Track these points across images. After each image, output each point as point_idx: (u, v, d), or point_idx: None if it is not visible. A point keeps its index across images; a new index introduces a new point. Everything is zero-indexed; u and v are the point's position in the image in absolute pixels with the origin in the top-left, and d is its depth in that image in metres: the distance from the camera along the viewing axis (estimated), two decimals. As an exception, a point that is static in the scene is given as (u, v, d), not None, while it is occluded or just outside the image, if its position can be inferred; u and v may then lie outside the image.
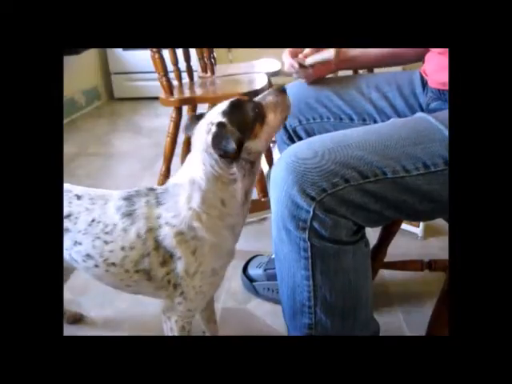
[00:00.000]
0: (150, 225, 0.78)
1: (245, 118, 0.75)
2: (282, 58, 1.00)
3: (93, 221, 0.81)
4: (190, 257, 0.77)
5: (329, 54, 0.90)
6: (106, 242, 0.80)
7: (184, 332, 0.86)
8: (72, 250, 0.83)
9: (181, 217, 0.76)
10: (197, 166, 0.76)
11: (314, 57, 0.94)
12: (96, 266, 0.82)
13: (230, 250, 0.84)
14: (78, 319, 1.17)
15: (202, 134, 0.75)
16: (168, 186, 0.81)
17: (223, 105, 0.77)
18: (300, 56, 0.96)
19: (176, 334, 0.86)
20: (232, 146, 0.70)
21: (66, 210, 0.83)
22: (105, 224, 0.80)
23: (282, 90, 0.81)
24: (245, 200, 0.78)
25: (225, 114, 0.75)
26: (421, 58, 1.02)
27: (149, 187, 0.83)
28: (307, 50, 0.96)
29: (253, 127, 0.75)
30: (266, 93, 0.82)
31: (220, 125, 0.73)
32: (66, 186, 0.88)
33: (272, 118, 0.78)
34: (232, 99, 0.78)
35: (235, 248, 0.87)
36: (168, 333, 0.87)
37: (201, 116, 0.80)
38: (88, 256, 0.82)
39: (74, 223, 0.82)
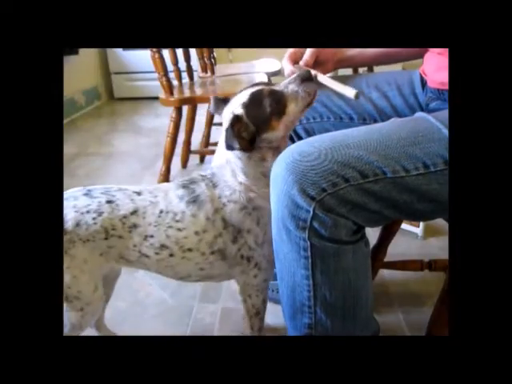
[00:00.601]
0: (215, 206, 0.84)
1: (262, 112, 0.79)
2: (282, 63, 1.00)
3: (161, 212, 0.84)
4: (256, 228, 0.84)
5: (350, 93, 0.88)
6: (179, 230, 0.84)
7: (265, 303, 0.95)
8: (143, 245, 0.84)
9: (237, 192, 0.83)
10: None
11: (333, 82, 0.92)
12: (171, 255, 0.85)
13: None
14: None
15: (226, 121, 0.81)
16: (213, 170, 0.87)
17: (246, 94, 0.81)
18: (301, 63, 0.96)
19: (259, 308, 0.94)
20: (236, 146, 0.77)
21: (130, 207, 0.84)
22: (174, 213, 0.84)
23: (306, 78, 0.82)
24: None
25: (244, 106, 0.79)
26: (418, 56, 1.02)
27: (199, 173, 0.89)
28: (307, 57, 0.95)
29: (269, 121, 0.79)
30: (290, 79, 0.83)
31: (234, 119, 0.78)
32: (114, 187, 0.88)
33: (292, 108, 0.80)
34: (254, 90, 0.81)
35: None
36: (251, 310, 0.94)
37: (225, 100, 0.86)
38: (162, 247, 0.84)
39: (143, 218, 0.84)
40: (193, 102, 1.78)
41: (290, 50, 0.97)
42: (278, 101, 0.79)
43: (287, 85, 0.82)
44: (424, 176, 0.68)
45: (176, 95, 1.65)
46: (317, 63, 0.98)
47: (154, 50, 1.59)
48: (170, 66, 1.70)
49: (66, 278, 0.82)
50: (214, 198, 0.84)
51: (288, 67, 0.97)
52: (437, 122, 0.71)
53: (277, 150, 0.81)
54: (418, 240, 1.54)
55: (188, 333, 1.16)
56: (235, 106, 0.81)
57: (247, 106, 0.79)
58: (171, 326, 1.19)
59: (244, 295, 0.93)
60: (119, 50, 3.79)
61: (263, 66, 2.30)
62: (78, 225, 0.81)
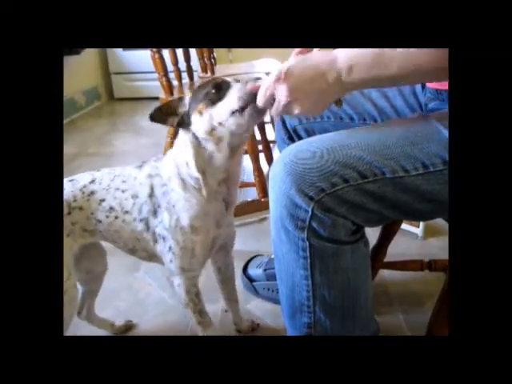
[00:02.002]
0: (149, 171, 0.88)
1: (197, 96, 0.81)
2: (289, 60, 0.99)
3: (114, 177, 0.91)
4: (170, 209, 0.85)
5: None
6: (123, 191, 0.89)
7: (192, 295, 0.92)
8: (98, 210, 0.90)
9: (165, 169, 0.86)
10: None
11: None
12: (116, 217, 0.89)
13: (208, 212, 0.86)
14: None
15: None
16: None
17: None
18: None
19: (184, 299, 0.92)
20: (150, 117, 0.82)
21: (88, 178, 0.92)
22: (123, 176, 0.91)
23: (254, 94, 0.73)
24: (205, 173, 0.83)
25: (193, 91, 0.83)
26: None
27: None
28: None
29: (197, 105, 0.80)
30: (247, 79, 0.79)
31: (178, 99, 0.84)
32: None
33: (226, 103, 0.77)
34: (214, 77, 0.84)
35: (231, 223, 0.95)
36: (181, 302, 0.93)
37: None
38: (111, 209, 0.89)
39: (99, 183, 0.91)
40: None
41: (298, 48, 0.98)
42: (219, 92, 0.78)
43: (242, 81, 0.79)
44: (423, 176, 0.68)
45: (176, 95, 1.65)
46: None
47: (154, 50, 1.59)
48: (170, 66, 1.70)
49: None
50: (152, 165, 0.89)
51: None
52: (436, 123, 0.71)
53: (209, 155, 0.81)
54: (417, 240, 1.54)
55: (188, 333, 1.16)
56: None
57: (195, 90, 0.82)
58: (171, 326, 1.19)
59: (168, 280, 0.93)
60: (119, 50, 3.79)
61: (263, 66, 2.29)
62: None
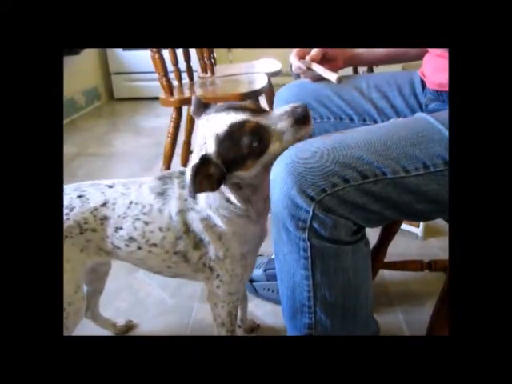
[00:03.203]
0: (180, 207, 0.80)
1: (237, 151, 0.69)
2: (289, 59, 1.00)
3: (131, 203, 0.82)
4: (217, 242, 0.80)
5: (332, 78, 0.89)
6: (146, 223, 0.81)
7: (231, 317, 0.90)
8: (114, 236, 0.83)
9: (199, 204, 0.79)
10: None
11: (320, 68, 0.94)
12: (139, 248, 0.83)
13: (254, 234, 0.84)
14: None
15: (201, 141, 0.73)
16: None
17: (224, 123, 0.70)
18: (307, 58, 0.97)
19: (224, 319, 0.89)
20: (191, 195, 0.70)
21: (100, 199, 0.83)
22: (142, 205, 0.82)
23: (301, 119, 0.70)
24: (254, 198, 0.79)
25: (218, 141, 0.70)
26: (421, 58, 1.03)
27: (180, 170, 0.84)
28: (314, 53, 0.96)
29: (244, 161, 0.71)
30: (285, 112, 0.71)
31: (202, 159, 0.70)
32: (93, 182, 0.90)
33: (275, 148, 0.71)
34: (234, 121, 0.69)
35: (266, 230, 0.88)
36: (217, 319, 0.90)
37: (206, 105, 0.78)
38: (131, 239, 0.82)
39: (113, 209, 0.83)
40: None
41: (298, 48, 0.98)
42: (260, 139, 0.69)
43: (277, 121, 0.71)
44: (424, 176, 0.68)
45: (176, 95, 1.65)
46: (325, 60, 0.99)
47: (154, 50, 1.59)
48: (170, 66, 1.70)
49: None
50: (181, 197, 0.80)
51: (295, 63, 0.98)
52: (437, 123, 0.71)
53: (251, 186, 0.77)
54: (417, 240, 1.54)
55: (188, 333, 1.16)
56: (209, 137, 0.71)
57: (221, 140, 0.69)
58: (171, 326, 1.19)
59: (210, 302, 0.90)
60: (119, 50, 3.79)
61: (263, 66, 2.29)
62: None
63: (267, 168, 0.72)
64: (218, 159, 0.71)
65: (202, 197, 0.78)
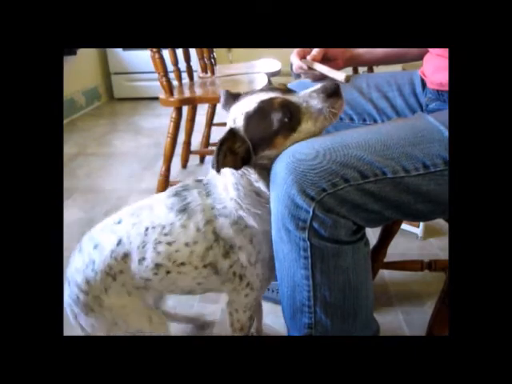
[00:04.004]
0: (207, 217, 0.77)
1: (267, 127, 0.69)
2: (290, 58, 0.99)
3: (147, 230, 0.78)
4: (248, 246, 0.78)
5: (339, 77, 0.85)
6: (169, 244, 0.78)
7: (251, 321, 0.89)
8: (140, 270, 0.79)
9: (228, 208, 0.77)
10: None
11: (324, 68, 0.93)
12: (168, 272, 0.79)
13: None
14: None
15: (228, 123, 0.74)
16: (209, 177, 0.81)
17: (254, 100, 0.70)
18: (308, 58, 0.96)
19: (244, 324, 0.88)
20: (216, 168, 0.69)
21: (113, 240, 0.78)
22: (161, 226, 0.78)
23: (333, 92, 0.70)
24: None
25: (246, 117, 0.70)
26: (422, 58, 1.03)
27: (195, 179, 0.82)
28: (315, 53, 0.96)
29: (273, 138, 0.70)
30: (314, 90, 0.71)
31: (228, 134, 0.70)
32: (98, 227, 0.83)
33: (308, 127, 0.71)
34: (263, 98, 0.70)
35: None
36: (235, 324, 0.89)
37: (236, 96, 0.77)
38: (157, 266, 0.78)
39: (130, 243, 0.78)
40: (193, 103, 1.78)
41: (298, 48, 0.98)
42: (291, 116, 0.69)
43: (308, 98, 0.70)
44: (424, 176, 0.68)
45: (176, 95, 1.65)
46: (326, 59, 0.98)
47: (154, 50, 1.59)
48: (170, 66, 1.70)
49: (121, 326, 0.81)
50: (207, 207, 0.78)
51: (296, 62, 0.98)
52: (437, 123, 0.71)
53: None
54: (418, 240, 1.54)
55: (188, 333, 1.16)
56: (238, 112, 0.72)
57: (250, 116, 0.70)
58: (171, 326, 1.19)
59: (231, 308, 0.88)
60: (119, 50, 3.79)
61: (263, 66, 2.30)
62: (88, 283, 0.79)
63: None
64: (246, 135, 0.70)
65: (233, 197, 0.77)
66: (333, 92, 0.70)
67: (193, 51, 1.96)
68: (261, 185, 0.76)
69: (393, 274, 1.33)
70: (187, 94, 1.72)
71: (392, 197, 0.69)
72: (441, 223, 1.55)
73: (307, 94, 0.71)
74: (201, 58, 2.04)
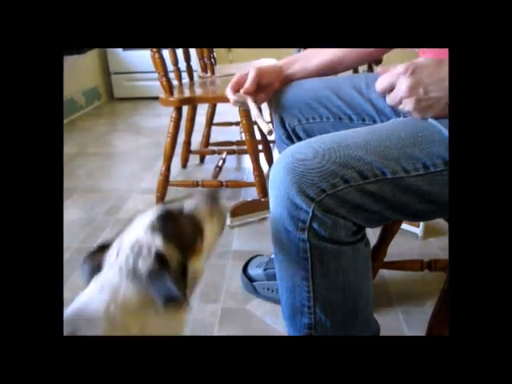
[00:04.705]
0: None
1: (183, 233, 0.60)
2: (225, 93, 0.99)
3: None
4: None
5: (264, 128, 0.84)
6: None
7: None
8: None
9: None
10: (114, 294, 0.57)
11: (255, 110, 0.91)
12: None
13: None
14: None
15: (126, 256, 0.58)
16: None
17: (146, 217, 0.60)
18: (241, 91, 0.96)
19: None
20: (174, 292, 0.54)
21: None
22: None
23: (213, 198, 0.69)
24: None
25: (156, 230, 0.58)
26: (362, 62, 1.07)
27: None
28: (247, 85, 0.95)
29: (194, 242, 0.61)
30: (194, 202, 0.68)
31: (158, 256, 0.56)
32: None
33: (209, 229, 0.66)
34: (157, 210, 0.61)
35: None
36: None
37: (101, 248, 0.62)
38: None
39: None
40: (193, 102, 1.78)
41: (234, 79, 0.97)
42: (194, 220, 0.64)
43: (195, 206, 0.66)
44: (424, 177, 0.68)
45: (176, 95, 1.65)
46: (260, 87, 0.98)
47: (154, 50, 1.59)
48: (170, 66, 1.70)
49: None
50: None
51: (231, 96, 0.97)
52: (437, 123, 0.71)
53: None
54: (418, 240, 1.54)
55: (188, 333, 1.16)
56: (141, 235, 0.58)
57: (161, 228, 0.58)
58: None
59: None
60: (119, 50, 3.80)
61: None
62: None
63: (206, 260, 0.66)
64: (170, 246, 0.57)
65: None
66: (213, 198, 0.69)
67: (193, 51, 1.96)
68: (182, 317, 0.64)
69: (393, 273, 1.33)
70: (187, 93, 1.72)
71: (392, 197, 0.69)
72: (441, 223, 1.55)
73: (192, 205, 0.66)
74: (201, 57, 2.05)
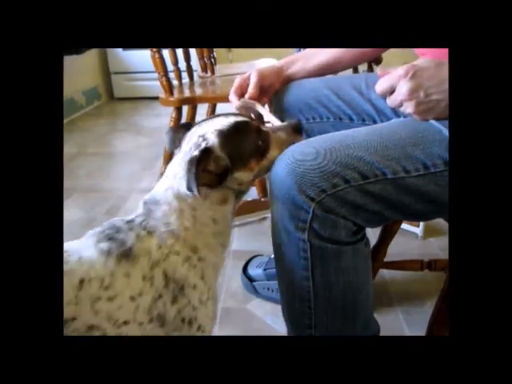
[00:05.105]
0: (154, 258, 0.66)
1: (243, 148, 0.69)
2: (229, 98, 0.98)
3: (80, 282, 0.62)
4: (201, 283, 0.69)
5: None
6: (110, 300, 0.63)
7: None
8: (66, 331, 0.62)
9: (181, 240, 0.67)
10: (181, 177, 0.67)
11: (265, 111, 0.91)
12: (104, 334, 0.65)
13: (222, 267, 0.77)
14: None
15: (191, 146, 0.68)
16: (149, 206, 0.69)
17: (226, 120, 0.69)
18: (246, 97, 0.94)
19: None
20: (195, 191, 0.62)
21: None
22: (100, 278, 0.63)
23: (298, 129, 0.76)
24: (232, 218, 0.75)
25: (221, 134, 0.67)
26: (360, 62, 1.09)
27: (124, 220, 0.69)
28: (251, 90, 0.94)
29: (248, 160, 0.70)
30: (281, 125, 0.77)
31: (204, 152, 0.64)
32: None
33: (274, 154, 0.73)
34: (238, 119, 0.70)
35: None
36: None
37: (188, 125, 0.74)
38: (90, 329, 0.63)
39: None
40: (193, 102, 1.78)
41: (236, 84, 0.96)
42: (264, 141, 0.71)
43: (275, 129, 0.76)
44: (424, 177, 0.68)
45: (176, 95, 1.65)
46: (263, 90, 0.97)
47: (154, 50, 1.59)
48: (170, 66, 1.70)
49: None
50: (151, 248, 0.66)
51: (235, 102, 0.95)
52: (437, 123, 0.71)
53: (239, 196, 0.74)
54: (418, 240, 1.54)
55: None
56: (208, 131, 0.68)
57: (225, 135, 0.67)
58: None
59: None
60: (119, 50, 3.80)
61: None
62: None
63: (258, 176, 0.75)
64: (223, 152, 0.67)
65: (188, 227, 0.68)
66: (297, 129, 0.77)
67: (193, 51, 1.96)
68: (220, 210, 0.71)
69: (393, 273, 1.33)
70: (187, 93, 1.72)
71: (392, 197, 0.69)
72: (441, 223, 1.55)
73: (276, 126, 0.77)
74: (201, 57, 2.04)
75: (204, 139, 0.68)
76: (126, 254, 0.65)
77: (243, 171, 0.70)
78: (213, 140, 0.68)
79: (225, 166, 0.67)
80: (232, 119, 0.70)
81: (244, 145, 0.69)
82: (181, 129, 0.75)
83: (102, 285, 0.63)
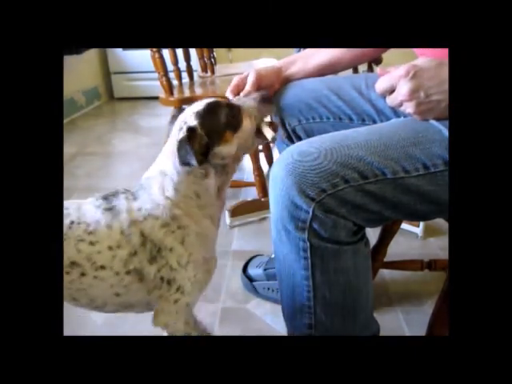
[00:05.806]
0: (132, 218, 0.75)
1: (217, 122, 0.75)
2: (226, 95, 0.98)
3: (72, 223, 0.75)
4: (179, 247, 0.75)
5: (268, 134, 0.86)
6: (91, 243, 0.74)
7: (191, 326, 0.82)
8: None
9: (160, 207, 0.75)
10: (168, 157, 0.77)
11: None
12: (82, 274, 0.74)
13: (213, 238, 0.83)
14: None
15: (176, 130, 0.77)
16: (141, 182, 0.81)
17: (200, 104, 0.77)
18: (241, 94, 0.94)
19: (184, 331, 0.81)
20: (193, 161, 0.71)
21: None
22: (87, 224, 0.75)
23: (266, 98, 0.83)
24: (218, 194, 0.80)
25: (198, 115, 0.75)
26: (360, 62, 1.09)
27: (125, 188, 0.82)
28: (248, 87, 0.94)
29: (224, 133, 0.75)
30: (250, 96, 0.85)
31: (189, 131, 0.73)
32: None
33: (247, 124, 0.78)
34: (210, 100, 0.78)
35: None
36: (176, 333, 0.82)
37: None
38: (72, 264, 0.73)
39: None
40: (193, 102, 1.78)
41: (233, 82, 0.97)
42: (234, 114, 0.77)
43: (245, 100, 0.82)
44: (424, 177, 0.68)
45: (176, 95, 1.65)
46: (260, 89, 0.97)
47: (154, 50, 1.59)
48: (170, 66, 1.70)
49: None
50: (132, 209, 0.76)
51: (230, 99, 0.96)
52: (437, 123, 0.71)
53: (224, 170, 0.79)
54: (418, 240, 1.54)
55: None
56: (187, 115, 0.76)
57: (202, 115, 0.75)
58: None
59: (159, 324, 0.80)
60: (119, 50, 3.79)
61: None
62: None
63: (240, 153, 0.80)
64: (202, 131, 0.73)
65: (169, 196, 0.76)
66: (265, 98, 0.84)
67: (193, 51, 1.96)
68: (203, 184, 0.77)
69: (393, 273, 1.33)
70: (187, 93, 1.72)
71: (392, 197, 0.69)
72: (441, 223, 1.54)
73: (244, 98, 0.84)
74: (201, 57, 2.04)
75: (185, 122, 0.76)
76: (110, 208, 0.77)
77: (222, 145, 0.75)
78: (192, 122, 0.75)
79: (205, 144, 0.74)
80: (205, 101, 0.78)
81: (217, 120, 0.75)
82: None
83: (87, 229, 0.75)
